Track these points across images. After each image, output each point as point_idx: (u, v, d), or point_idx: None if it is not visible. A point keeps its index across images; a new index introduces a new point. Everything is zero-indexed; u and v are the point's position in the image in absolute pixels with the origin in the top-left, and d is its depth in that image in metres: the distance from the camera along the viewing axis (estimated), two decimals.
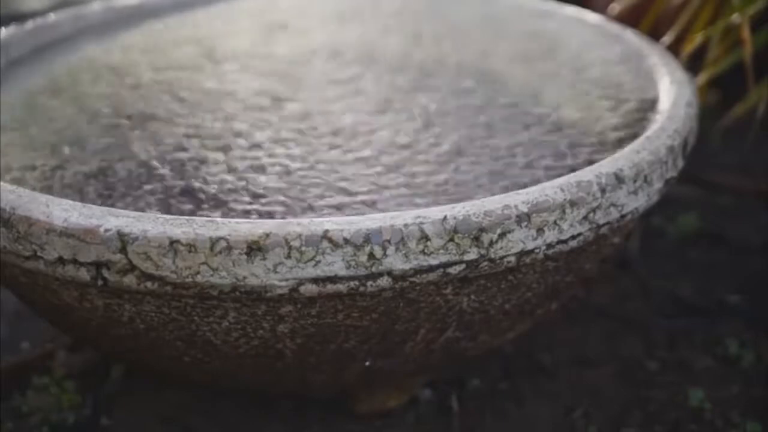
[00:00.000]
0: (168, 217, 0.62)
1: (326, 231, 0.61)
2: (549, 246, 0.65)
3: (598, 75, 0.90)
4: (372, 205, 0.71)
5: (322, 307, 0.64)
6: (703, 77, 1.02)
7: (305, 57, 0.97)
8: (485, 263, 0.64)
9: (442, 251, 0.62)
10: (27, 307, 0.82)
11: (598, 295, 0.98)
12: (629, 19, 1.10)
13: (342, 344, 0.68)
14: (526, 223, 0.64)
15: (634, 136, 0.76)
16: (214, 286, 0.61)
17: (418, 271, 0.62)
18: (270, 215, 0.69)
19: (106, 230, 0.61)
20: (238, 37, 1.03)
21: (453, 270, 0.63)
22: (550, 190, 0.65)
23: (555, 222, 0.65)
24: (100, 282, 0.63)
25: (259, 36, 1.03)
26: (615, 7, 1.18)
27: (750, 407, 0.84)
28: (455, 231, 0.62)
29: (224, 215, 0.69)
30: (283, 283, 0.61)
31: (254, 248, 0.60)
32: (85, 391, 0.86)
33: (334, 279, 0.62)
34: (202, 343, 0.68)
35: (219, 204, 0.71)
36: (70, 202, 0.64)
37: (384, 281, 0.62)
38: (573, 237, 0.66)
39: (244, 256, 0.60)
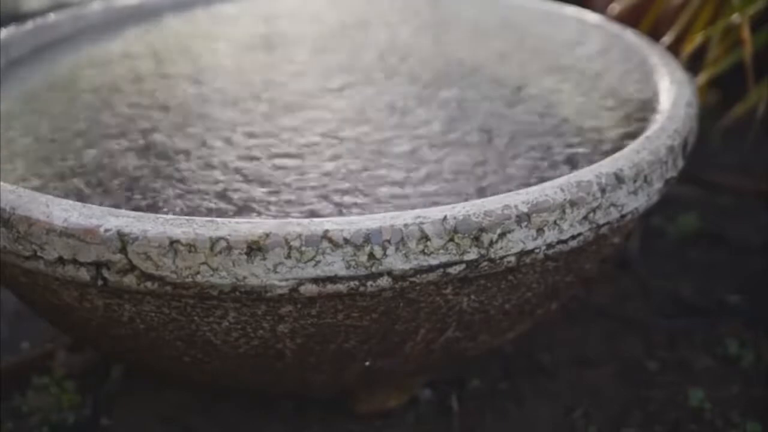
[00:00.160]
0: (168, 217, 0.62)
1: (326, 231, 0.61)
2: (549, 246, 0.65)
3: (597, 75, 0.90)
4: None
5: (322, 307, 0.64)
6: (703, 77, 1.02)
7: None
8: (485, 263, 0.64)
9: (442, 251, 0.62)
10: (27, 307, 0.82)
11: (598, 295, 0.98)
12: (629, 19, 1.10)
13: (342, 344, 0.68)
14: (526, 223, 0.64)
15: (633, 136, 0.76)
16: (214, 286, 0.61)
17: (418, 271, 0.62)
18: None
19: (106, 230, 0.61)
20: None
21: (453, 270, 0.63)
22: (550, 190, 0.65)
23: (555, 222, 0.65)
24: (100, 282, 0.63)
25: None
26: (615, 7, 1.18)
27: (750, 407, 0.84)
28: (455, 231, 0.62)
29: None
30: (283, 283, 0.61)
31: (254, 248, 0.60)
32: (85, 391, 0.86)
33: (334, 279, 0.62)
34: (202, 343, 0.68)
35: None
36: (70, 202, 0.64)
37: (384, 281, 0.62)
38: (573, 237, 0.66)
39: (244, 256, 0.60)
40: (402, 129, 0.82)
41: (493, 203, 0.64)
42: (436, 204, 0.70)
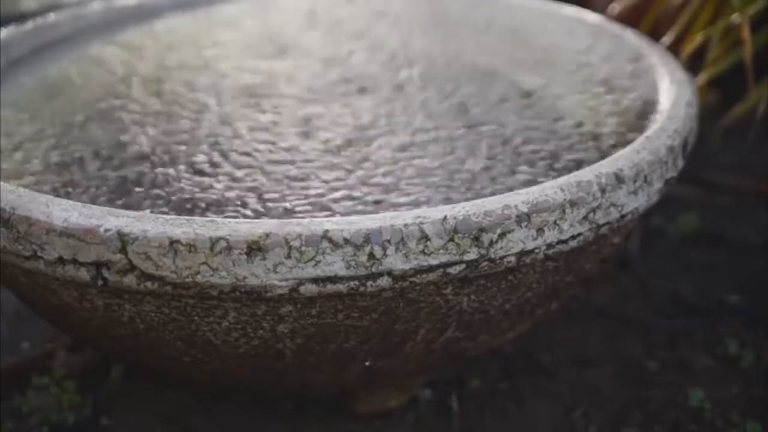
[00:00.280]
0: (168, 217, 0.62)
1: (326, 231, 0.61)
2: (549, 246, 0.65)
3: (597, 74, 0.90)
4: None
5: (322, 307, 0.64)
6: (703, 77, 1.02)
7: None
8: (485, 263, 0.64)
9: (442, 251, 0.62)
10: (27, 307, 0.82)
11: (598, 295, 0.98)
12: (629, 19, 1.10)
13: (342, 344, 0.68)
14: (526, 223, 0.64)
15: (633, 136, 0.76)
16: (214, 286, 0.61)
17: (418, 271, 0.62)
18: None
19: (106, 230, 0.61)
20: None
21: (453, 270, 0.63)
22: (550, 190, 0.65)
23: (555, 222, 0.65)
24: (100, 282, 0.63)
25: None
26: (615, 7, 1.18)
27: (750, 407, 0.84)
28: (455, 231, 0.62)
29: None
30: (283, 283, 0.61)
31: (254, 248, 0.60)
32: (85, 391, 0.86)
33: (334, 279, 0.62)
34: (202, 343, 0.68)
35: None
36: (70, 202, 0.64)
37: (384, 281, 0.62)
38: (573, 237, 0.66)
39: (244, 256, 0.60)
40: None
41: (493, 203, 0.64)
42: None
